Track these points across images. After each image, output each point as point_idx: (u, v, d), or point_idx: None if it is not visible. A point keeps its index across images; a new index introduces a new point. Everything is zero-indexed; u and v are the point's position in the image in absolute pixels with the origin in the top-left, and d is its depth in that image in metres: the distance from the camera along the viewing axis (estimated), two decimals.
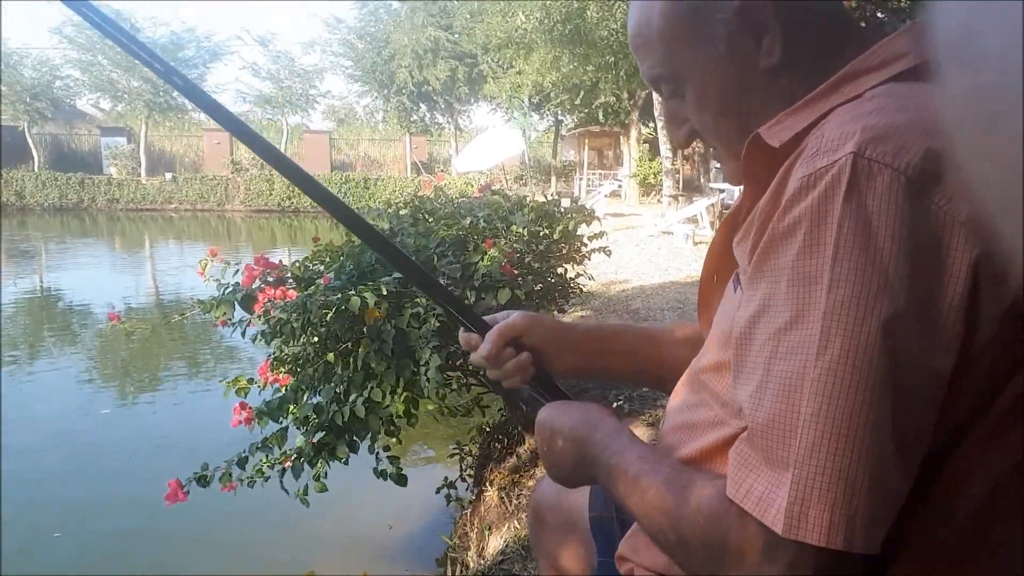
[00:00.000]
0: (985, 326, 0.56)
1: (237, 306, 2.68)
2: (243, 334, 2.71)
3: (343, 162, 31.33)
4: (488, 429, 3.70)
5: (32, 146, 27.10)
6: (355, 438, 2.55)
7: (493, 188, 4.18)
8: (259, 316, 2.60)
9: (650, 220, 12.76)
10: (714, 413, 0.76)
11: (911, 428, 0.56)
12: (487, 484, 3.25)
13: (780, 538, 0.56)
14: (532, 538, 1.29)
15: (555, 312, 3.82)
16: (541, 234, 3.54)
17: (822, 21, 0.73)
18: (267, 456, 2.54)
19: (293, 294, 2.57)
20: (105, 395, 6.23)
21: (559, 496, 1.18)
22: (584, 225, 3.81)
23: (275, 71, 30.09)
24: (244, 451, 2.53)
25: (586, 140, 24.17)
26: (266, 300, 2.58)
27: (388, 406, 2.51)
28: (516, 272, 3.02)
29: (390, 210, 3.66)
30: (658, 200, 17.64)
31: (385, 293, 2.42)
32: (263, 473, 2.53)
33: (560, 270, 3.80)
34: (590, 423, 0.83)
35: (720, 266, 0.86)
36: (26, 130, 26.89)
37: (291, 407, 2.55)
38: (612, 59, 15.21)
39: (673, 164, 16.49)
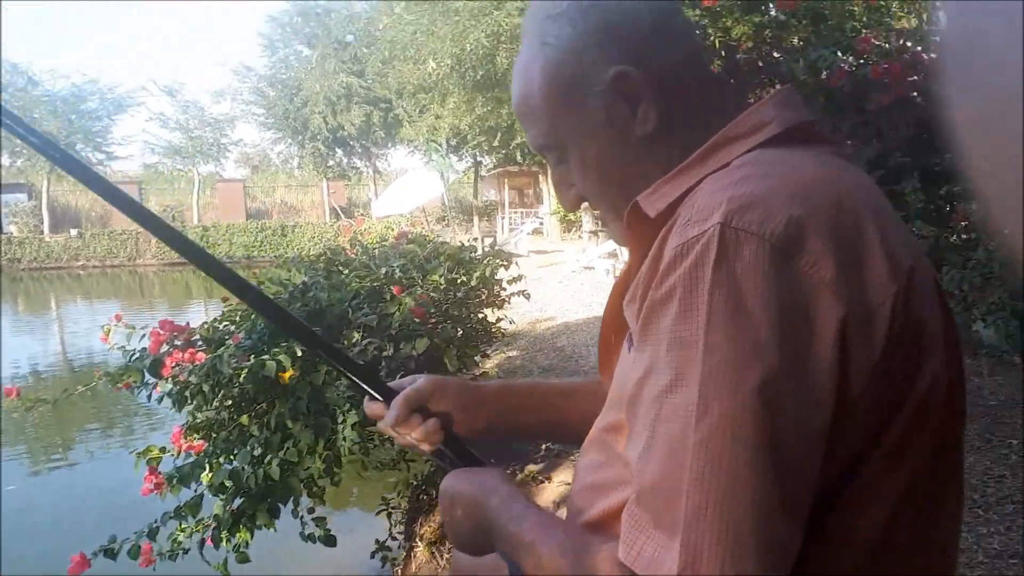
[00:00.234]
0: (856, 380, 0.59)
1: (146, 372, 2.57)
2: (148, 398, 2.60)
3: (259, 210, 30.78)
4: (414, 483, 3.63)
5: None
6: (277, 503, 2.47)
7: (410, 235, 4.16)
8: (167, 380, 2.50)
9: (572, 256, 12.97)
10: (618, 473, 0.75)
11: (795, 482, 0.58)
12: (417, 540, 3.17)
13: None
14: None
15: (478, 357, 3.81)
16: (459, 281, 3.54)
17: (693, 89, 0.76)
18: (181, 525, 2.43)
19: (202, 356, 2.48)
20: (9, 468, 5.86)
21: (475, 560, 1.16)
22: (503, 268, 3.84)
23: (184, 121, 29.52)
24: (155, 521, 2.41)
25: (506, 180, 24.43)
26: (174, 364, 2.49)
27: (308, 467, 2.44)
28: (434, 320, 3.00)
29: (303, 263, 3.59)
30: (579, 236, 17.93)
31: (299, 353, 2.36)
32: (180, 544, 2.40)
33: (481, 315, 3.80)
34: (486, 490, 0.83)
35: (616, 324, 0.87)
36: None
37: (204, 473, 2.45)
38: None
39: None
